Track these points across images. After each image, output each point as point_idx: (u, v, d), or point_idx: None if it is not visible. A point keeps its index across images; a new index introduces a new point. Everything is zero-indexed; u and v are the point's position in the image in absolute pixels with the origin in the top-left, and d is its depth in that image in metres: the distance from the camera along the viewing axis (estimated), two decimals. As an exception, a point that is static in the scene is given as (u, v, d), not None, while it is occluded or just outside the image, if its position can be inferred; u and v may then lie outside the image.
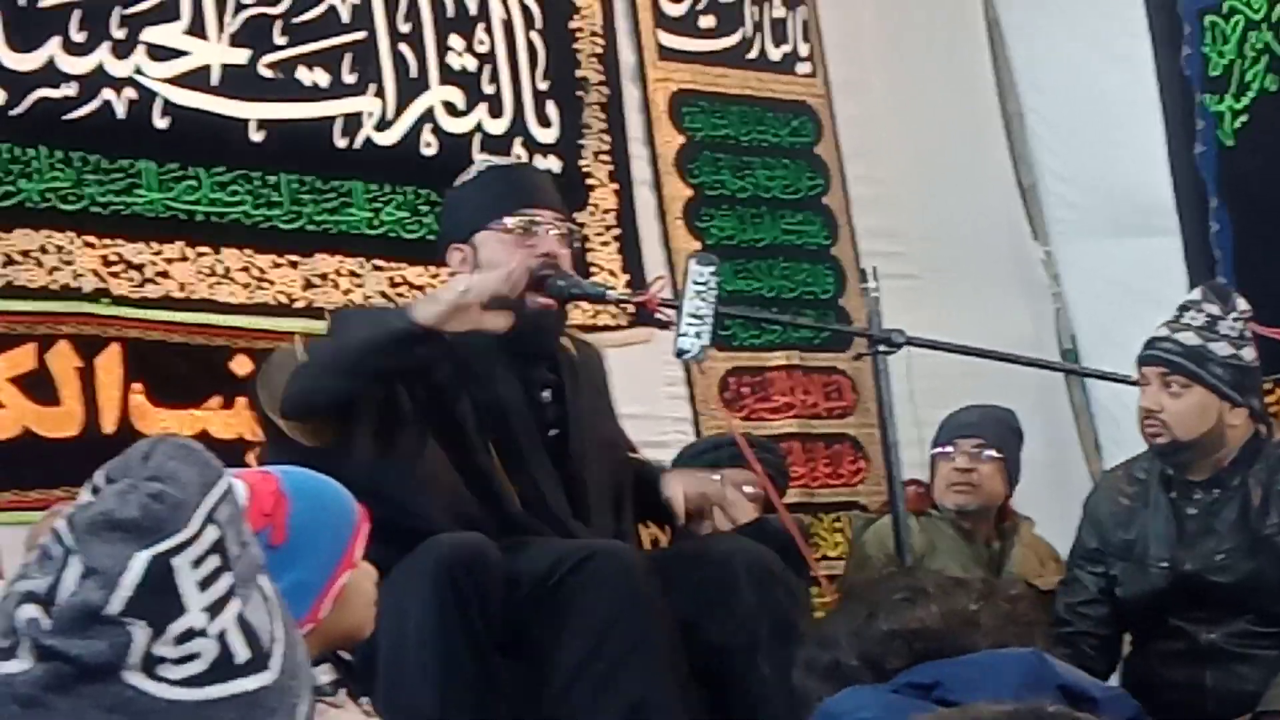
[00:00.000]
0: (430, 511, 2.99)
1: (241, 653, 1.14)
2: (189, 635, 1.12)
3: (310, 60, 4.34)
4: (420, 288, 4.38)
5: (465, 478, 3.08)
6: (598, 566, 2.89)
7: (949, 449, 4.18)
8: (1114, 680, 3.75)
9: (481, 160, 3.48)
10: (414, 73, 4.53)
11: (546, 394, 3.27)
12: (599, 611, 2.85)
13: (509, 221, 3.19)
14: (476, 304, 2.91)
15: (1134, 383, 3.68)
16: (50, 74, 3.93)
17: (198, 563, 1.13)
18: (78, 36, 3.97)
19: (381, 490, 2.83)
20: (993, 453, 4.17)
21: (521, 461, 3.14)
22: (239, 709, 1.13)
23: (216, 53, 4.19)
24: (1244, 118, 5.03)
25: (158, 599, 1.12)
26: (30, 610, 1.11)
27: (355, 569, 2.18)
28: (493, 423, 3.14)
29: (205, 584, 1.13)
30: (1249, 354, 3.64)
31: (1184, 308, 3.68)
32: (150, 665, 1.11)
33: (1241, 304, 3.69)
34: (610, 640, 2.83)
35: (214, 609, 1.13)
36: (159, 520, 1.13)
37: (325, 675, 2.16)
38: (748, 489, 4.00)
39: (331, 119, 4.37)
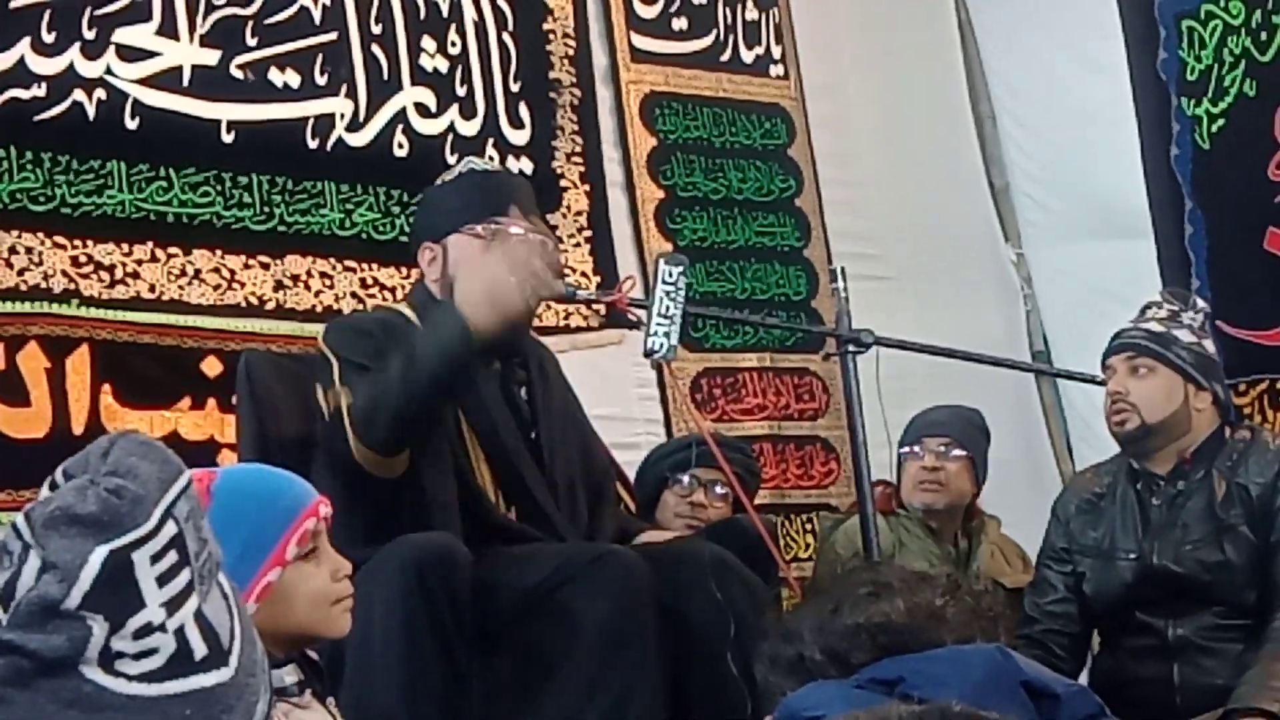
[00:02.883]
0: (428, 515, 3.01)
1: (199, 649, 1.14)
2: (147, 630, 1.12)
3: (282, 61, 4.34)
4: (391, 289, 4.38)
5: (457, 479, 3.09)
6: (605, 570, 2.90)
7: (916, 448, 4.20)
8: (1083, 678, 3.76)
9: (465, 162, 3.47)
10: (386, 74, 4.53)
11: (524, 392, 3.28)
12: (601, 613, 2.85)
13: (480, 228, 3.20)
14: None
15: (1100, 382, 3.71)
16: (20, 74, 3.91)
17: (156, 558, 1.13)
18: (48, 37, 3.96)
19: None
20: (960, 451, 4.19)
21: (508, 460, 3.15)
22: (196, 704, 1.13)
23: (187, 54, 4.18)
24: (1221, 121, 5.05)
25: (116, 593, 1.12)
26: (-12, 605, 1.12)
27: (285, 566, 2.10)
28: (479, 424, 3.15)
29: (164, 579, 1.13)
30: (1209, 345, 3.73)
31: (1146, 306, 3.76)
32: (108, 660, 1.11)
33: (1200, 303, 3.77)
34: (605, 640, 2.84)
35: (172, 604, 1.13)
36: (118, 515, 1.13)
37: (290, 676, 2.13)
38: (718, 489, 4.02)
39: (303, 120, 4.36)
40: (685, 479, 4.04)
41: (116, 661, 1.11)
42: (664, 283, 2.99)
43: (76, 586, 1.10)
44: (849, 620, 1.53)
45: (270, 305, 4.22)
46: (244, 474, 2.19)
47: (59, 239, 3.93)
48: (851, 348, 3.25)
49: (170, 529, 1.15)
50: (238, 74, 4.26)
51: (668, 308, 2.98)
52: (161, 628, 1.12)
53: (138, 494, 1.14)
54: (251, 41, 4.29)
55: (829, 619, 1.54)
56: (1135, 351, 3.65)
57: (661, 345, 2.98)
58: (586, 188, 4.90)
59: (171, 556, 1.14)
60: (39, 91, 3.94)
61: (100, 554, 1.11)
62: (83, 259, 3.96)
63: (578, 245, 4.83)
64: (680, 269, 3.02)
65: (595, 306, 4.55)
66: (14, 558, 1.12)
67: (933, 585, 1.58)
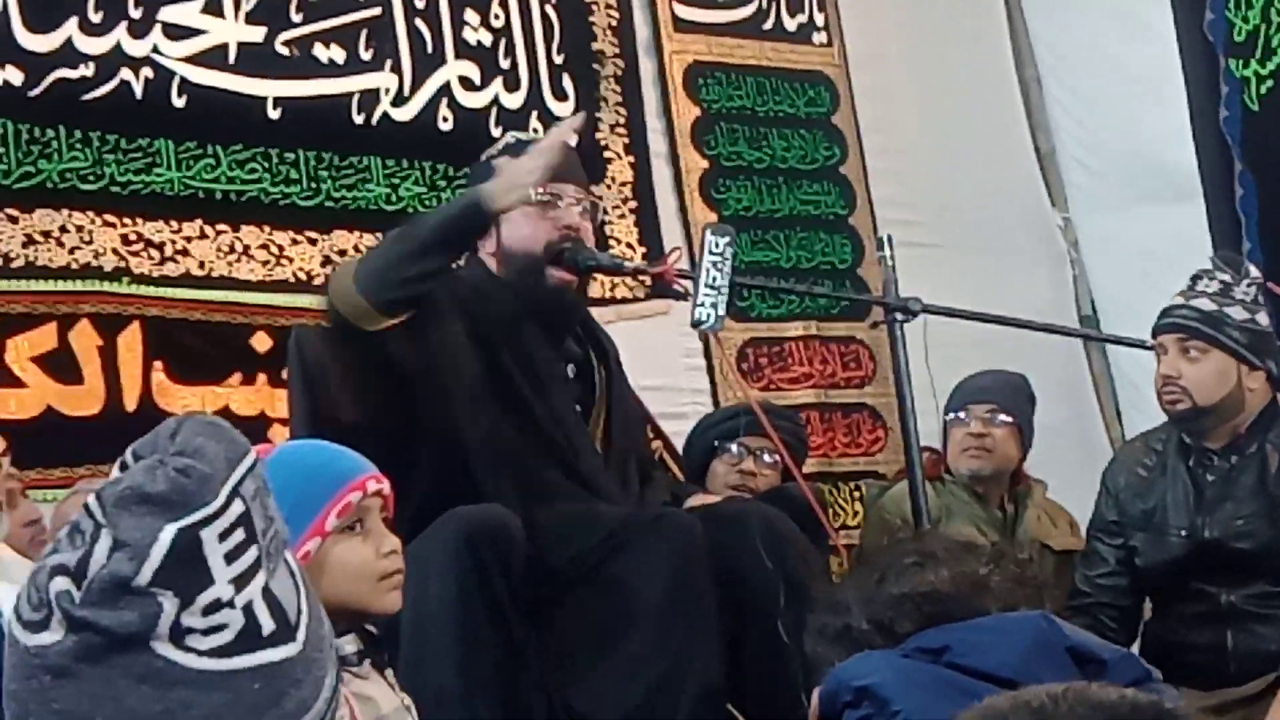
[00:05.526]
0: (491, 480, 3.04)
1: (267, 624, 1.17)
2: (216, 606, 1.15)
3: (326, 37, 4.36)
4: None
5: (525, 444, 3.11)
6: (662, 534, 2.92)
7: (962, 414, 4.19)
8: (1135, 646, 3.76)
9: (509, 135, 3.50)
10: (430, 48, 4.55)
11: (571, 368, 3.29)
12: (659, 577, 2.87)
13: (531, 195, 3.21)
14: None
15: (1149, 347, 3.69)
16: (68, 54, 3.96)
17: (224, 535, 1.16)
18: (95, 17, 4.00)
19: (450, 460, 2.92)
20: (1006, 417, 4.18)
21: (565, 429, 3.17)
22: (265, 679, 1.16)
23: (233, 31, 4.21)
24: (1270, 83, 5.01)
25: (185, 570, 1.14)
26: (61, 583, 1.14)
27: (325, 537, 2.12)
28: (538, 393, 3.17)
29: (231, 556, 1.16)
30: (1263, 319, 3.65)
31: (1196, 277, 3.70)
32: (179, 635, 1.14)
33: (1253, 271, 3.71)
34: (665, 603, 2.86)
35: (240, 581, 1.16)
36: (186, 494, 1.16)
37: (350, 645, 2.15)
38: (766, 457, 4.03)
39: (348, 95, 4.39)
40: (734, 447, 4.06)
41: (187, 637, 1.14)
42: (711, 253, 3.00)
43: (147, 564, 1.13)
44: (894, 590, 1.55)
45: (318, 280, 4.25)
46: (297, 448, 2.21)
47: (109, 217, 3.97)
48: (899, 316, 3.25)
49: (237, 507, 1.17)
50: (283, 50, 4.29)
51: (714, 278, 2.98)
52: (230, 604, 1.15)
53: (205, 473, 1.17)
54: (296, 18, 4.32)
55: (875, 589, 1.56)
56: (1187, 334, 3.60)
57: (709, 316, 2.99)
58: (630, 159, 4.91)
59: (239, 534, 1.17)
60: (87, 71, 3.98)
61: (170, 532, 1.14)
62: (133, 237, 4.00)
63: (622, 216, 4.84)
64: (727, 239, 3.02)
65: (640, 277, 4.56)
66: (86, 537, 1.15)
67: (977, 554, 1.60)
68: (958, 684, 1.41)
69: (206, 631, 1.14)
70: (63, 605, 1.14)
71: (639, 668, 2.86)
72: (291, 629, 1.18)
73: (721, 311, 3.00)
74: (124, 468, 1.20)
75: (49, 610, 1.14)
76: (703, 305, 2.99)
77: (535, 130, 4.61)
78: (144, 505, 1.14)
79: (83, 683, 1.12)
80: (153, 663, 1.13)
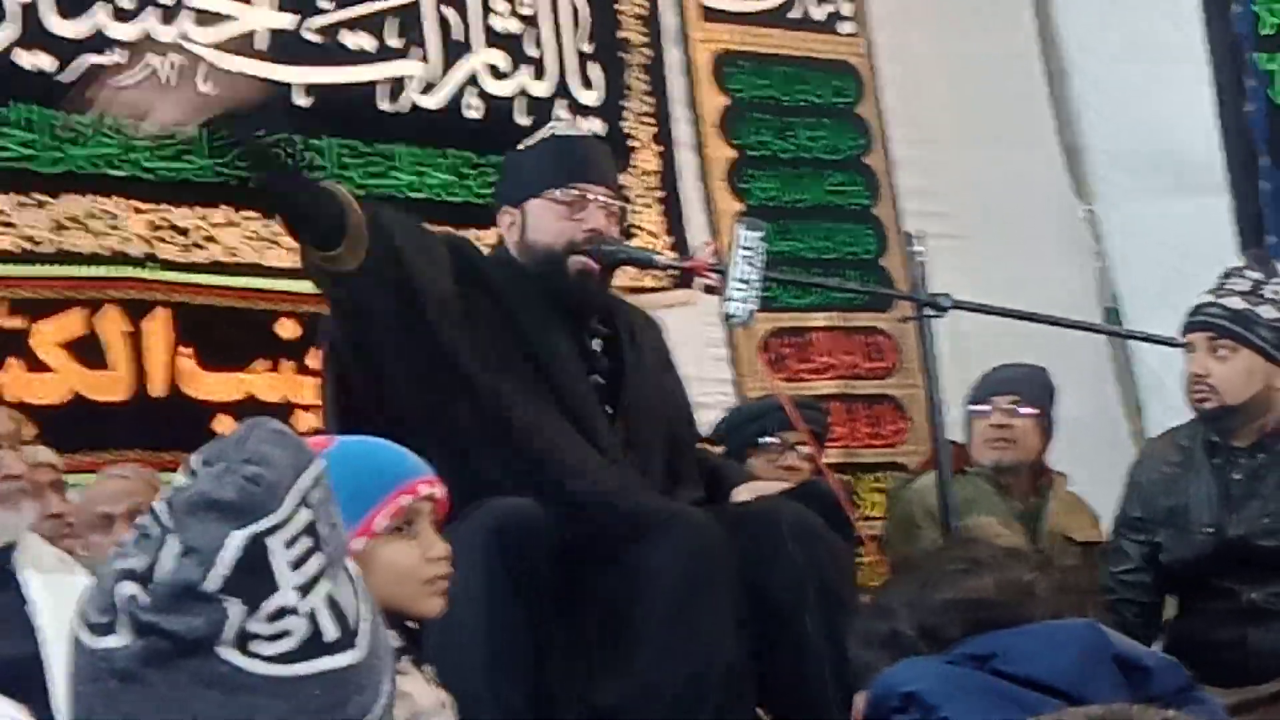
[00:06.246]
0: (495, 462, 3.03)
1: (331, 631, 1.18)
2: (281, 613, 1.16)
3: (355, 24, 4.37)
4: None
5: (530, 427, 3.11)
6: (679, 533, 2.91)
7: (985, 406, 4.21)
8: (1158, 643, 3.77)
9: (549, 126, 3.50)
10: (458, 35, 4.56)
11: (597, 343, 3.28)
12: (679, 575, 2.86)
13: (558, 193, 3.21)
14: None
15: (1172, 343, 3.69)
16: (98, 40, 3.96)
17: (290, 543, 1.17)
18: (125, 3, 4.01)
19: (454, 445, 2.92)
20: (1029, 409, 4.20)
21: (581, 408, 3.16)
22: (327, 685, 1.17)
23: (262, 18, 4.22)
24: (1295, 76, 5.02)
25: (252, 577, 1.15)
26: (129, 587, 1.15)
27: (373, 537, 2.12)
28: (547, 373, 3.16)
29: (297, 564, 1.17)
30: (1293, 317, 3.66)
31: (1227, 274, 3.71)
32: (244, 641, 1.15)
33: None
34: (686, 604, 2.86)
35: (305, 588, 1.17)
36: (254, 501, 1.17)
37: (392, 642, 2.16)
38: (801, 450, 4.05)
39: (376, 83, 4.40)
40: (776, 442, 4.08)
41: (252, 643, 1.15)
42: (743, 247, 2.99)
43: (215, 570, 1.14)
44: (941, 596, 1.55)
45: (345, 268, 4.25)
46: (356, 444, 2.21)
47: (137, 203, 3.98)
48: (929, 312, 3.24)
49: (304, 515, 1.18)
50: (311, 37, 4.30)
51: (746, 272, 2.97)
52: (294, 610, 1.16)
53: (273, 481, 1.18)
54: (325, 5, 4.33)
55: (921, 595, 1.57)
56: (1216, 333, 3.61)
57: (740, 310, 2.98)
58: (657, 148, 4.92)
59: (304, 541, 1.18)
60: (117, 57, 3.98)
61: (238, 539, 1.15)
62: (160, 223, 4.01)
63: (648, 206, 4.84)
64: (760, 234, 3.00)
65: (667, 269, 4.55)
66: (154, 542, 1.16)
67: (1023, 560, 1.60)
68: (1005, 691, 1.42)
69: (271, 638, 1.15)
70: (130, 610, 1.15)
71: (660, 664, 2.86)
72: (353, 635, 1.20)
73: (753, 306, 2.99)
74: (192, 474, 1.21)
75: (115, 614, 1.15)
76: (733, 299, 2.98)
77: (557, 117, 4.61)
78: (212, 512, 1.16)
79: (149, 687, 1.13)
80: (218, 668, 1.14)
